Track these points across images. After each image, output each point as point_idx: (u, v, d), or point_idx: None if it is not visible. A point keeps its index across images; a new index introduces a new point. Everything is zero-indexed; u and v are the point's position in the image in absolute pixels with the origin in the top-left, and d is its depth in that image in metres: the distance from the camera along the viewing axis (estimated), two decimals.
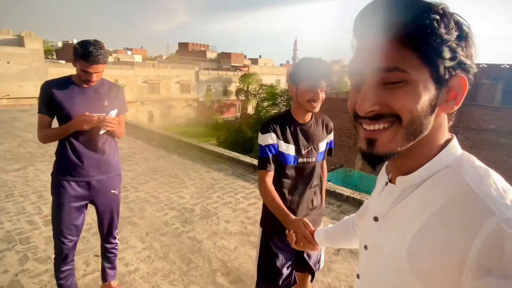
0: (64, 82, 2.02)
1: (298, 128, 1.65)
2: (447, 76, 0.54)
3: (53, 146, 2.13)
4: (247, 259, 3.05)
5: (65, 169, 2.06)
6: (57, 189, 2.07)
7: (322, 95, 1.59)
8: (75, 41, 54.74)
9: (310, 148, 1.68)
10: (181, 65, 41.68)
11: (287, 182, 1.68)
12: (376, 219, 0.69)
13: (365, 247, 0.73)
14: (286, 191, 1.69)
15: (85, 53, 1.84)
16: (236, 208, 4.06)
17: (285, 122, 1.64)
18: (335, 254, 3.24)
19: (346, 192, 4.48)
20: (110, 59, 44.99)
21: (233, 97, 42.19)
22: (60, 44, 53.87)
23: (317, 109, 1.61)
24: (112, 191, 2.22)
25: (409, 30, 0.52)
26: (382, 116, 0.56)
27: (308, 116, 1.67)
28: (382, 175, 0.74)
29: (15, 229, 3.49)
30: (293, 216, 1.49)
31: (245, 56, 58.08)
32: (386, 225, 0.66)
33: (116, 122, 1.98)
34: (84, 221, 2.18)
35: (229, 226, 3.61)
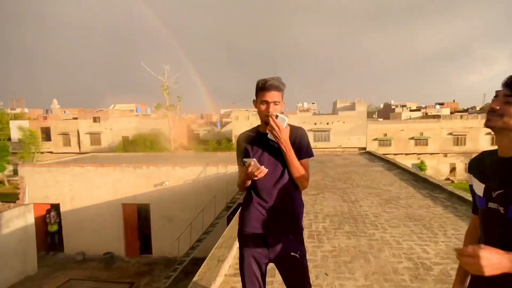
0: (251, 132, 1.91)
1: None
2: None
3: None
4: None
5: (243, 223, 1.88)
6: (240, 241, 1.92)
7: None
8: (392, 102, 58.52)
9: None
10: None
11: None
12: None
13: None
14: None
15: (263, 81, 1.74)
16: None
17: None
18: None
19: None
20: (418, 114, 45.06)
21: None
22: (381, 106, 59.48)
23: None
24: (292, 253, 1.78)
25: None
26: None
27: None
28: None
29: None
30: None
31: None
32: None
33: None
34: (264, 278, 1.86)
35: None
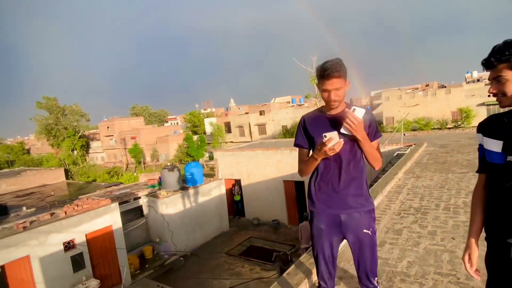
0: (315, 113, 1.89)
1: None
2: None
3: None
4: None
5: (313, 202, 1.90)
6: (311, 220, 1.94)
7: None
8: None
9: None
10: None
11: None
12: None
13: None
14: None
15: (322, 70, 1.66)
16: None
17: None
18: None
19: None
20: None
21: None
22: None
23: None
24: (365, 230, 1.83)
25: None
26: None
27: None
28: None
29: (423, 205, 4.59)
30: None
31: None
32: None
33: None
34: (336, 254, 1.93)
35: None
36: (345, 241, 1.93)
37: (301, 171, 1.90)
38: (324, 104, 1.84)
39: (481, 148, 1.40)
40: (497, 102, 1.29)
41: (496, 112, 1.38)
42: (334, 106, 1.74)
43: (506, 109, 1.26)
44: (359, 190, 1.82)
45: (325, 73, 1.64)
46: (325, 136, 1.56)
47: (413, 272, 2.88)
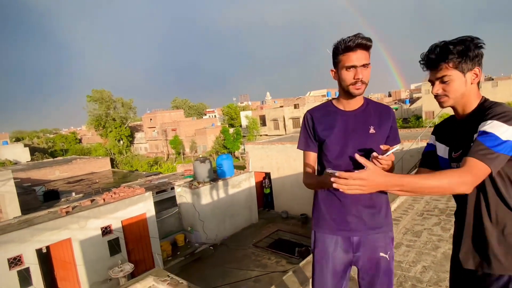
0: (324, 108, 1.48)
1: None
2: None
3: None
4: None
5: (320, 220, 1.51)
6: (315, 243, 1.54)
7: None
8: None
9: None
10: None
11: None
12: None
13: None
14: None
15: (346, 41, 1.26)
16: None
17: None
18: None
19: None
20: None
21: None
22: None
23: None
24: (381, 253, 1.44)
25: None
26: None
27: None
28: None
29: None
30: None
31: None
32: None
33: (389, 163, 1.23)
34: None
35: None
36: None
37: (307, 184, 1.52)
38: (338, 96, 1.44)
39: (428, 145, 1.42)
40: None
41: None
42: (359, 92, 1.31)
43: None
44: (375, 205, 1.43)
45: (350, 42, 1.24)
46: (329, 173, 1.12)
47: (427, 278, 2.68)
